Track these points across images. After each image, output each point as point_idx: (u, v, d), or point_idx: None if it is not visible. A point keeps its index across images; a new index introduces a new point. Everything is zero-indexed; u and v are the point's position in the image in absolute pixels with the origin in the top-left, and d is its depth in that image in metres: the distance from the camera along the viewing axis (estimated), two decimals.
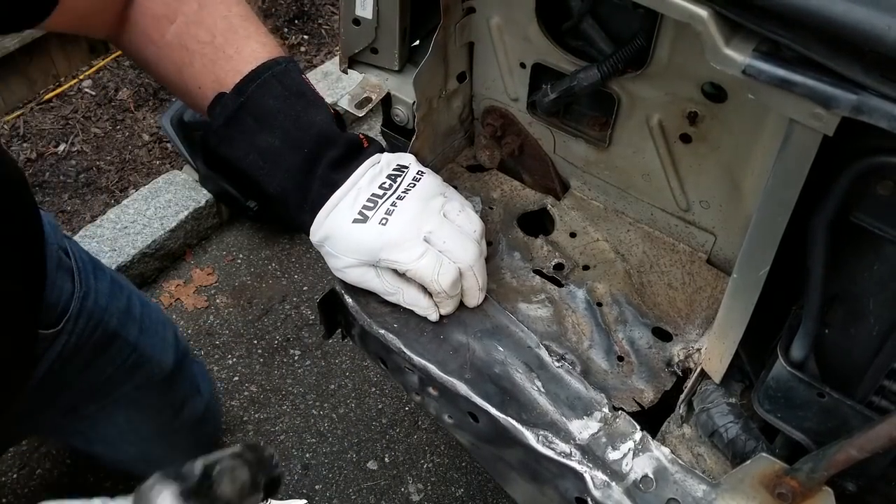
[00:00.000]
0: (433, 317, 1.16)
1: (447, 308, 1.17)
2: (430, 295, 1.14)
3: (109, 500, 0.84)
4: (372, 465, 1.95)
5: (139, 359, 1.55)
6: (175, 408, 1.68)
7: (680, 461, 1.04)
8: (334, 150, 1.03)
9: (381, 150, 1.12)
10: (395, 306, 1.23)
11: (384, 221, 1.03)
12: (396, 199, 1.05)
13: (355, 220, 1.02)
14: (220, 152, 1.01)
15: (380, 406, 2.06)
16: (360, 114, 1.33)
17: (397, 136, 1.49)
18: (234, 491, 0.86)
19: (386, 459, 1.96)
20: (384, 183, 1.06)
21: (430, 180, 1.14)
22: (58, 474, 1.87)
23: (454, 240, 1.09)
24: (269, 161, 1.01)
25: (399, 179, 1.08)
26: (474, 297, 1.18)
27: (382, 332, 1.19)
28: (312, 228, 1.04)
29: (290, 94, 1.02)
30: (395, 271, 1.09)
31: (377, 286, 1.12)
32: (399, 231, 1.03)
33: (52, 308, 1.30)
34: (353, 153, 1.06)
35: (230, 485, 0.86)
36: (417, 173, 1.12)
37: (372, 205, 1.04)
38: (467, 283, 1.15)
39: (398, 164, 1.11)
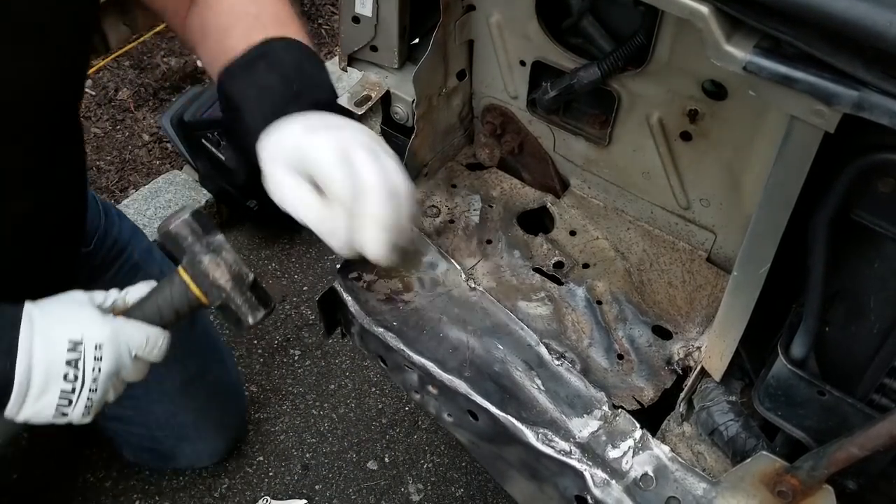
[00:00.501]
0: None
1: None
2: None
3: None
4: (372, 465, 1.95)
5: None
6: (199, 365, 1.69)
7: (680, 459, 1.04)
8: (322, 94, 1.04)
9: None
10: (395, 305, 1.23)
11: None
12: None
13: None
14: (224, 89, 1.06)
15: (380, 406, 2.06)
16: (360, 112, 1.33)
17: (397, 135, 1.49)
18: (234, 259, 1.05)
19: (386, 459, 1.95)
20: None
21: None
22: (57, 474, 1.87)
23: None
24: (263, 95, 1.02)
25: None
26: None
27: (382, 330, 1.18)
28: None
29: (306, 57, 1.07)
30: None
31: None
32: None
33: (90, 234, 1.56)
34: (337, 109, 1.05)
35: (231, 254, 1.05)
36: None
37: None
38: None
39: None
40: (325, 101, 1.03)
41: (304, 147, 0.92)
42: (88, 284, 1.41)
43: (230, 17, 1.12)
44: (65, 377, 0.99)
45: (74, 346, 1.00)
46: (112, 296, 1.10)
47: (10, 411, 0.99)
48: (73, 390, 1.00)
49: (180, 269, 1.05)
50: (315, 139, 0.93)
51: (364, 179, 0.91)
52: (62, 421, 1.02)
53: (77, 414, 1.02)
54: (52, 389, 0.99)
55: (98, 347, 1.01)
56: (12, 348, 0.97)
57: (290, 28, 1.10)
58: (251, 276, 1.06)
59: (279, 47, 1.06)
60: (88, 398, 1.01)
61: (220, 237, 1.06)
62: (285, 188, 0.93)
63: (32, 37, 1.06)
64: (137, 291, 1.10)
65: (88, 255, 1.57)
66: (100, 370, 1.01)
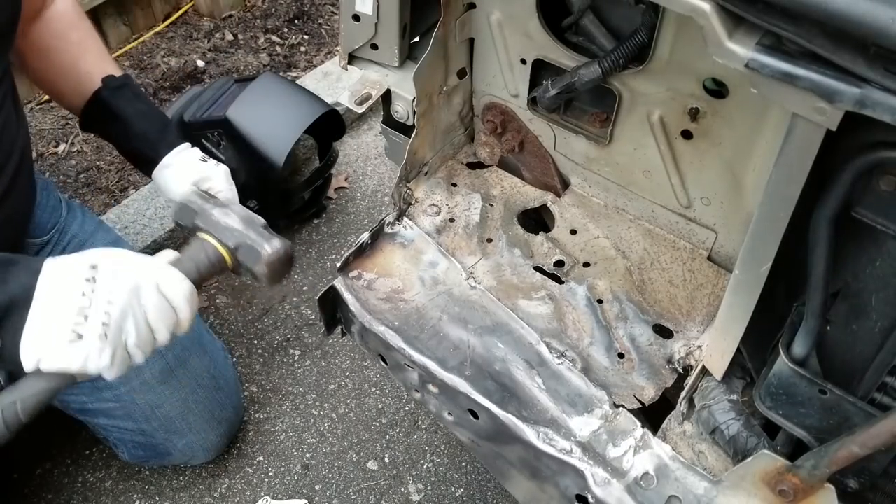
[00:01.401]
0: None
1: None
2: None
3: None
4: (372, 465, 1.94)
5: None
6: (177, 355, 1.69)
7: (681, 458, 1.04)
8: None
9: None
10: (395, 303, 1.22)
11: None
12: None
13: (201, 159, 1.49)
14: (111, 103, 1.51)
15: (380, 406, 2.05)
16: (360, 110, 1.32)
17: (397, 133, 1.49)
18: (243, 209, 1.18)
19: (386, 459, 1.95)
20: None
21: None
22: (57, 474, 1.86)
23: None
24: (144, 115, 1.54)
25: None
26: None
27: (382, 329, 1.18)
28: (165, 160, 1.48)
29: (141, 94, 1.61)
30: None
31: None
32: None
33: (43, 223, 1.64)
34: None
35: (239, 206, 1.20)
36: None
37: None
38: None
39: None
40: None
41: (206, 173, 1.45)
42: None
43: (79, 46, 1.56)
44: (82, 293, 1.00)
45: (93, 266, 1.02)
46: None
47: (29, 331, 0.98)
48: (90, 304, 0.99)
49: (197, 233, 1.12)
50: (212, 169, 1.47)
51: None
52: (79, 352, 0.99)
53: (92, 334, 0.99)
54: (69, 304, 0.99)
55: (117, 264, 1.04)
56: (37, 269, 1.02)
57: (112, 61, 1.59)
58: (261, 220, 1.15)
59: (131, 83, 1.57)
60: (106, 312, 1.00)
61: (227, 200, 1.19)
62: (186, 193, 1.30)
63: None
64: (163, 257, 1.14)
65: (44, 245, 1.64)
66: (117, 281, 1.01)
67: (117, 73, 1.56)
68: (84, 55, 1.56)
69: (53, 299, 1.00)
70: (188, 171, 1.47)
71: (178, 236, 2.38)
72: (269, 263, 1.10)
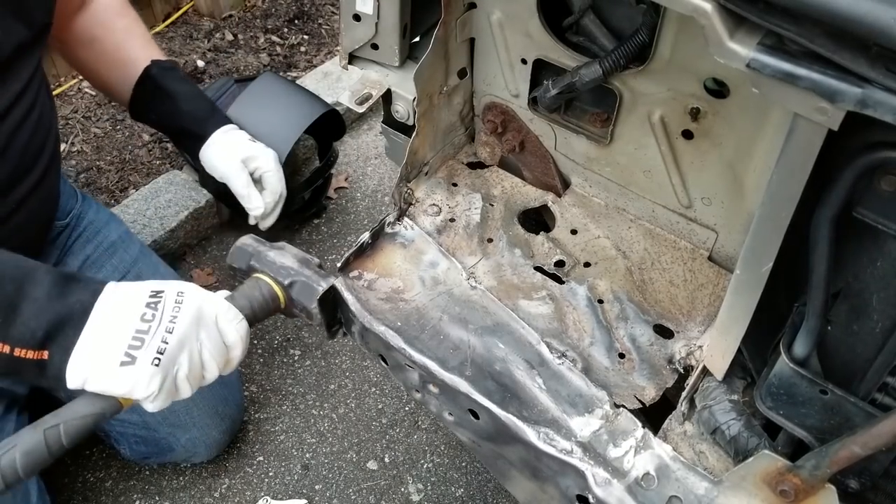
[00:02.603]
0: None
1: None
2: None
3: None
4: (372, 465, 1.94)
5: (141, 273, 1.76)
6: None
7: (682, 458, 1.04)
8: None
9: None
10: (395, 303, 1.22)
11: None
12: None
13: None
14: (161, 81, 1.62)
15: (380, 406, 2.05)
16: (361, 110, 1.32)
17: (397, 133, 1.49)
18: (298, 251, 1.20)
19: (386, 459, 1.95)
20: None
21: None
22: (57, 474, 1.86)
23: None
24: (193, 95, 1.66)
25: None
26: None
27: (383, 329, 1.18)
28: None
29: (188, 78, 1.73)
30: None
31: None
32: None
33: (63, 207, 1.71)
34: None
35: (293, 248, 1.20)
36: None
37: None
38: None
39: None
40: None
41: (255, 152, 1.66)
42: (64, 259, 1.68)
43: (126, 33, 1.65)
44: (142, 317, 0.98)
45: (156, 293, 1.01)
46: None
47: (80, 348, 0.96)
48: (148, 330, 0.97)
49: (252, 273, 1.14)
50: (261, 150, 1.68)
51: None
52: (129, 376, 0.96)
53: (146, 359, 0.96)
54: (126, 327, 0.97)
55: (181, 294, 1.02)
56: (98, 290, 1.01)
57: (158, 47, 1.69)
58: (316, 260, 1.17)
59: (177, 66, 1.68)
60: (163, 340, 0.97)
61: (280, 242, 1.19)
62: (238, 173, 1.65)
63: None
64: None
65: (63, 229, 1.70)
66: (179, 311, 0.99)
67: (164, 58, 1.63)
68: (130, 42, 1.62)
69: (112, 320, 0.98)
70: (236, 149, 1.56)
71: (178, 236, 2.38)
72: (321, 298, 1.12)
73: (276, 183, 1.68)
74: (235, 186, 1.65)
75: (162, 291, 1.01)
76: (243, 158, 1.52)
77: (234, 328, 1.06)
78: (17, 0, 1.27)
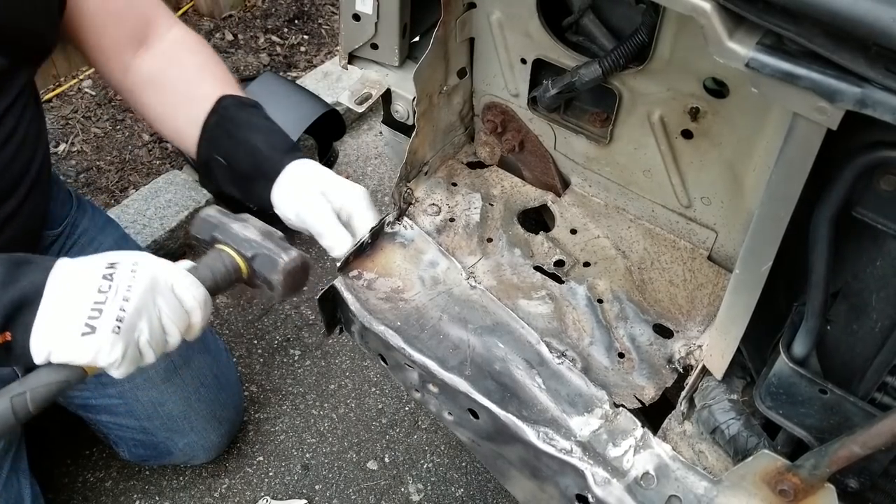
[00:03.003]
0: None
1: None
2: None
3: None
4: (372, 465, 1.95)
5: None
6: (182, 353, 1.68)
7: (681, 458, 1.04)
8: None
9: None
10: (395, 303, 1.22)
11: None
12: None
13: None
14: (227, 122, 1.33)
15: (380, 406, 2.05)
16: (360, 110, 1.32)
17: (397, 133, 1.49)
18: (262, 223, 1.17)
19: (386, 459, 1.95)
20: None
21: None
22: (57, 474, 1.87)
23: None
24: (272, 130, 1.35)
25: None
26: None
27: (382, 328, 1.18)
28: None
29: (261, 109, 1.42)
30: None
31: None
32: None
33: (55, 216, 1.63)
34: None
35: (257, 221, 1.17)
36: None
37: None
38: None
39: None
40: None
41: (340, 186, 1.26)
42: None
43: (199, 70, 1.42)
44: (98, 289, 1.00)
45: (111, 265, 1.02)
46: None
47: (40, 324, 0.99)
48: (105, 300, 0.99)
49: (215, 245, 1.13)
50: (349, 185, 1.27)
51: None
52: (91, 345, 0.98)
53: (106, 327, 0.99)
54: (83, 298, 0.99)
55: (135, 264, 1.03)
56: (49, 267, 1.02)
57: (237, 86, 1.41)
58: (279, 233, 1.16)
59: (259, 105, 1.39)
60: (121, 308, 1.00)
61: (244, 214, 1.17)
62: (316, 206, 1.24)
63: None
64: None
65: (56, 238, 1.64)
66: (134, 279, 1.01)
67: (242, 94, 1.38)
68: (204, 78, 1.39)
69: (68, 293, 1.00)
70: (316, 181, 1.26)
71: (178, 236, 2.38)
72: (285, 272, 1.10)
73: (368, 225, 1.27)
74: (310, 220, 1.24)
75: (117, 263, 1.03)
76: (323, 190, 1.23)
77: (192, 294, 1.07)
78: None
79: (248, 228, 1.14)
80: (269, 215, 1.28)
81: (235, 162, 1.31)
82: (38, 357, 1.00)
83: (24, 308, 0.99)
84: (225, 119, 1.33)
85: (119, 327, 1.00)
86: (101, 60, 1.43)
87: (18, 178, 1.38)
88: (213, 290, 1.11)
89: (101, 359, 1.00)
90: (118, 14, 1.38)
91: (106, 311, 0.99)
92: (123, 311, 1.00)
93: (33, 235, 1.53)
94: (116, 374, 1.03)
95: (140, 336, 1.03)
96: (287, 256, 1.11)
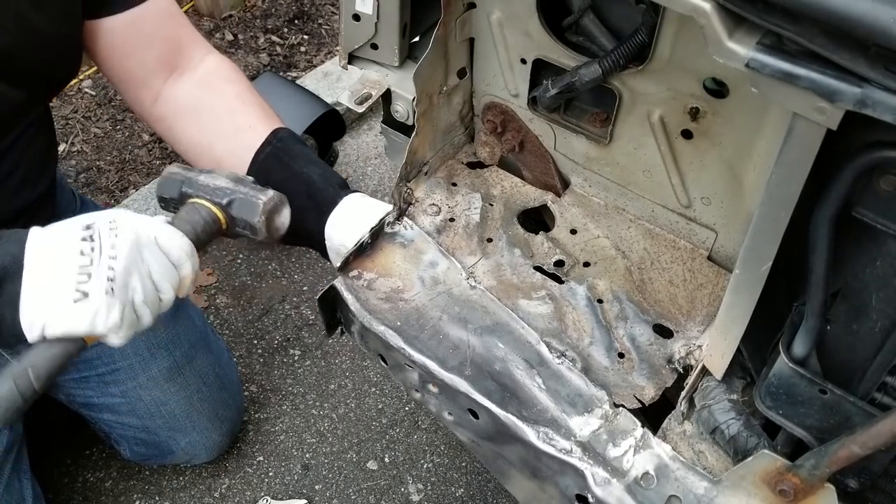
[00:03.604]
0: None
1: None
2: None
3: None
4: (372, 465, 1.95)
5: None
6: (185, 352, 1.68)
7: (681, 458, 1.04)
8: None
9: None
10: (395, 303, 1.22)
11: None
12: None
13: None
14: (282, 154, 1.31)
15: (380, 406, 2.05)
16: (360, 110, 1.33)
17: (397, 133, 1.49)
18: (229, 171, 1.14)
19: (386, 459, 1.95)
20: None
21: None
22: (57, 474, 1.87)
23: None
24: (320, 166, 1.32)
25: None
26: None
27: (382, 328, 1.18)
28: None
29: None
30: None
31: None
32: None
33: (59, 217, 1.51)
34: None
35: (224, 170, 1.13)
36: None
37: None
38: None
39: None
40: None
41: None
42: None
43: (240, 100, 1.38)
44: (80, 252, 0.94)
45: (88, 226, 0.97)
46: None
47: (26, 297, 0.93)
48: (91, 262, 0.94)
49: (186, 200, 1.09)
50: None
51: None
52: (86, 311, 0.93)
53: (98, 290, 0.93)
54: (68, 264, 0.93)
55: (113, 221, 0.98)
56: (23, 239, 0.96)
57: (278, 117, 1.40)
58: (250, 178, 1.12)
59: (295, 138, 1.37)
60: (110, 267, 0.94)
61: (209, 169, 1.13)
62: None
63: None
64: None
65: None
66: (117, 237, 0.96)
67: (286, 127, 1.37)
68: (244, 110, 1.37)
69: (50, 261, 0.95)
70: (372, 213, 1.28)
71: None
72: (266, 212, 1.07)
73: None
74: None
75: (93, 223, 0.97)
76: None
77: (177, 245, 1.02)
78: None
79: (216, 178, 1.10)
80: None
81: (289, 193, 1.25)
82: (30, 333, 0.94)
83: (4, 282, 0.94)
84: (281, 151, 1.31)
85: (112, 288, 0.94)
86: (129, 87, 1.38)
87: (25, 203, 1.37)
88: (196, 243, 1.06)
89: (99, 324, 0.94)
90: (148, 38, 1.34)
91: (95, 273, 0.94)
92: (112, 269, 0.95)
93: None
94: (116, 340, 0.98)
95: (134, 295, 0.98)
96: (265, 196, 1.08)
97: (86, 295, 0.93)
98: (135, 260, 0.97)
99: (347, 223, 1.26)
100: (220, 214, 1.08)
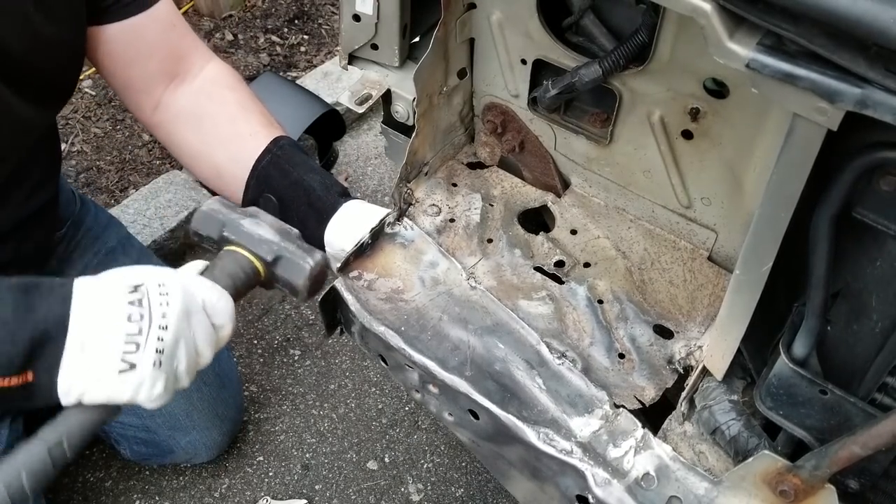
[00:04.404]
0: None
1: None
2: None
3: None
4: (372, 465, 1.95)
5: None
6: None
7: (682, 459, 1.04)
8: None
9: None
10: (395, 304, 1.22)
11: None
12: None
13: None
14: (282, 161, 1.30)
15: (380, 406, 2.05)
16: (361, 110, 1.32)
17: (397, 133, 1.49)
18: (274, 218, 1.08)
19: (386, 459, 1.95)
20: None
21: None
22: (58, 474, 1.87)
23: None
24: (321, 174, 1.31)
25: None
26: None
27: (383, 329, 1.18)
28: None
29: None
30: None
31: None
32: None
33: (60, 217, 1.60)
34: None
35: (268, 216, 1.08)
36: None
37: None
38: None
39: None
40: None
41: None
42: (62, 269, 1.60)
43: (241, 108, 1.37)
44: (128, 318, 0.90)
45: (135, 287, 0.92)
46: None
47: (68, 362, 0.89)
48: (140, 331, 0.89)
49: (227, 247, 1.03)
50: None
51: None
52: (131, 383, 0.89)
53: (147, 363, 0.90)
54: (115, 331, 0.89)
55: (162, 285, 0.94)
56: (68, 297, 0.91)
57: (279, 126, 1.39)
58: (296, 231, 1.07)
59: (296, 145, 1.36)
60: (159, 338, 0.90)
61: (252, 208, 1.07)
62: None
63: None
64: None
65: (61, 238, 1.62)
66: (167, 304, 0.92)
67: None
68: (246, 117, 1.36)
69: (96, 326, 0.90)
70: (372, 218, 1.28)
71: (178, 236, 2.38)
72: (312, 277, 1.03)
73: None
74: None
75: (141, 284, 0.93)
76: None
77: (223, 309, 0.99)
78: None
79: (260, 226, 1.04)
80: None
81: (289, 200, 1.27)
82: (66, 398, 0.90)
83: (46, 344, 0.89)
84: (281, 158, 1.30)
85: (160, 360, 0.91)
86: (130, 93, 1.38)
87: (32, 211, 1.37)
88: (234, 297, 1.02)
89: (143, 395, 0.91)
90: (150, 47, 1.34)
91: (143, 344, 0.90)
92: (162, 340, 0.91)
93: (42, 253, 1.53)
94: (152, 406, 0.95)
95: (179, 365, 0.95)
96: (313, 261, 1.04)
97: (133, 366, 0.89)
98: (182, 329, 0.94)
99: (346, 229, 1.26)
100: (261, 269, 1.03)
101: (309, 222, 1.26)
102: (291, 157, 1.31)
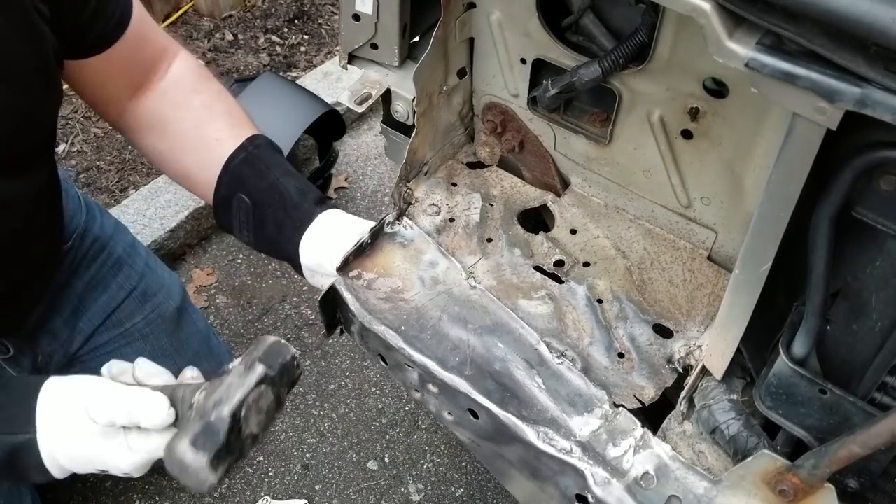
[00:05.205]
0: None
1: None
2: None
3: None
4: (372, 465, 1.95)
5: (147, 289, 1.70)
6: (190, 361, 1.68)
7: (681, 458, 1.04)
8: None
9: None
10: (395, 303, 1.22)
11: None
12: None
13: None
14: (257, 161, 1.29)
15: (380, 406, 2.06)
16: (360, 110, 1.32)
17: (397, 133, 1.49)
18: (259, 423, 0.98)
19: (386, 459, 1.95)
20: None
21: None
22: None
23: None
24: (297, 178, 1.30)
25: None
26: None
27: (382, 328, 1.18)
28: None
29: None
30: None
31: None
32: None
33: (67, 227, 1.58)
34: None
35: (256, 417, 0.97)
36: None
37: None
38: None
39: None
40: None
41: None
42: (69, 280, 1.60)
43: (207, 111, 1.35)
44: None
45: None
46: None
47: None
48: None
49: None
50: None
51: None
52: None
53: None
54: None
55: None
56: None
57: (251, 123, 1.36)
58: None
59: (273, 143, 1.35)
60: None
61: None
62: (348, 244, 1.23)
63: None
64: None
65: (67, 251, 1.60)
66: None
67: (259, 134, 1.34)
68: (211, 121, 1.34)
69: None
70: (352, 226, 1.26)
71: (178, 236, 2.38)
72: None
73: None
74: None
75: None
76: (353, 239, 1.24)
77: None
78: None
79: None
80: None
81: (263, 203, 1.26)
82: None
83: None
84: (256, 158, 1.28)
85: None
86: (96, 104, 1.38)
87: (31, 257, 1.38)
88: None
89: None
90: (119, 70, 1.31)
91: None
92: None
93: (49, 266, 1.53)
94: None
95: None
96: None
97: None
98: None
99: (322, 243, 1.23)
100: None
101: (285, 230, 1.25)
102: (266, 158, 1.29)
